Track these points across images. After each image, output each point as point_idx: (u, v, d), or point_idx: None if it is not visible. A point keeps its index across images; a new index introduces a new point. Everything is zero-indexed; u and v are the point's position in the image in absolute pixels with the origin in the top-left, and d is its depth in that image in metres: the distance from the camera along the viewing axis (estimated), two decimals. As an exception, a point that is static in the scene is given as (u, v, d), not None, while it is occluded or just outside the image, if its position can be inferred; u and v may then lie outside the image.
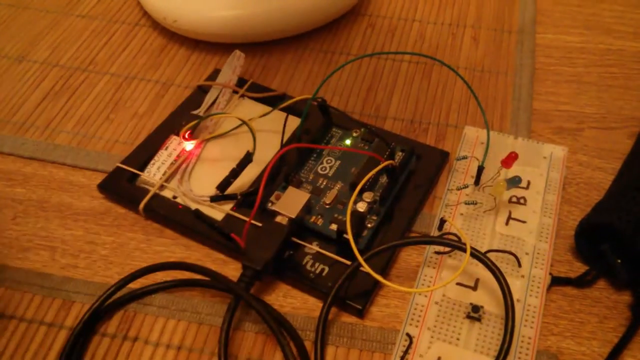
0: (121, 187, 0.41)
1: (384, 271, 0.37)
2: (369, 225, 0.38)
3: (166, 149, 0.43)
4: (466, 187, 0.40)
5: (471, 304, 0.35)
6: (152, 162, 0.42)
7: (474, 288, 0.36)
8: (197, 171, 0.42)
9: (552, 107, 0.47)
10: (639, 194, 0.37)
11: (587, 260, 0.38)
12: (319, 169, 0.41)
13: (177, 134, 0.43)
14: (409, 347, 0.34)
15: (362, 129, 0.43)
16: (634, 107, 0.47)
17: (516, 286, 0.36)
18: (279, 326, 0.34)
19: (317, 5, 0.51)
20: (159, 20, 0.53)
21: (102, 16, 0.56)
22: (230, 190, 0.40)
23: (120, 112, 0.48)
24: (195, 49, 0.53)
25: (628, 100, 0.47)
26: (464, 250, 0.34)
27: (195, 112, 0.46)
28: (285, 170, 0.40)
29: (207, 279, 0.36)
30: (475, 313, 0.34)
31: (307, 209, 0.38)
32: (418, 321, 0.35)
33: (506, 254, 0.37)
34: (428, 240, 0.37)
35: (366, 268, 0.33)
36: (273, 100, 0.46)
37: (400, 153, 0.41)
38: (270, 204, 0.39)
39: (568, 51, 0.51)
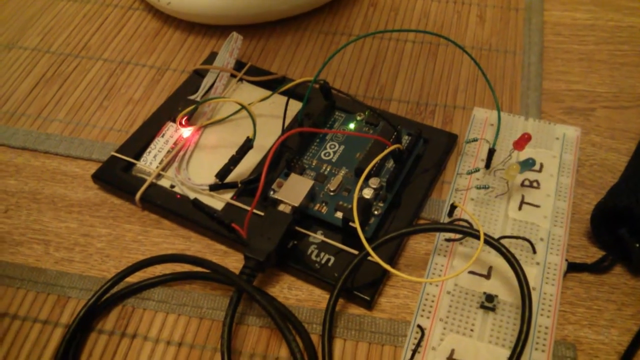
0: (116, 176, 0.40)
1: (393, 260, 0.35)
2: (376, 212, 0.37)
3: (162, 136, 0.41)
4: (477, 170, 0.39)
5: (485, 293, 0.33)
6: (148, 150, 0.41)
7: (487, 276, 0.34)
8: (195, 159, 0.41)
9: (562, 87, 0.45)
10: (657, 175, 0.35)
11: (603, 245, 0.36)
12: (322, 155, 0.40)
13: (174, 121, 0.42)
14: (420, 339, 0.32)
15: (367, 112, 0.42)
16: (646, 85, 0.45)
17: (531, 274, 0.34)
18: (283, 320, 0.33)
19: (316, -16, 0.49)
20: (152, 3, 0.51)
21: (94, 0, 0.54)
22: (230, 178, 0.39)
23: (115, 98, 0.46)
24: (191, 31, 0.51)
25: (640, 78, 0.46)
26: (476, 237, 0.32)
27: (192, 97, 0.44)
28: (287, 156, 0.39)
29: (207, 271, 0.35)
30: (489, 302, 0.33)
31: (311, 196, 0.37)
32: (429, 312, 0.33)
33: (520, 240, 0.35)
34: (438, 227, 0.35)
35: (374, 257, 0.32)
36: (273, 84, 0.45)
37: (406, 136, 0.40)
38: (272, 192, 0.37)
39: (577, 29, 0.50)
